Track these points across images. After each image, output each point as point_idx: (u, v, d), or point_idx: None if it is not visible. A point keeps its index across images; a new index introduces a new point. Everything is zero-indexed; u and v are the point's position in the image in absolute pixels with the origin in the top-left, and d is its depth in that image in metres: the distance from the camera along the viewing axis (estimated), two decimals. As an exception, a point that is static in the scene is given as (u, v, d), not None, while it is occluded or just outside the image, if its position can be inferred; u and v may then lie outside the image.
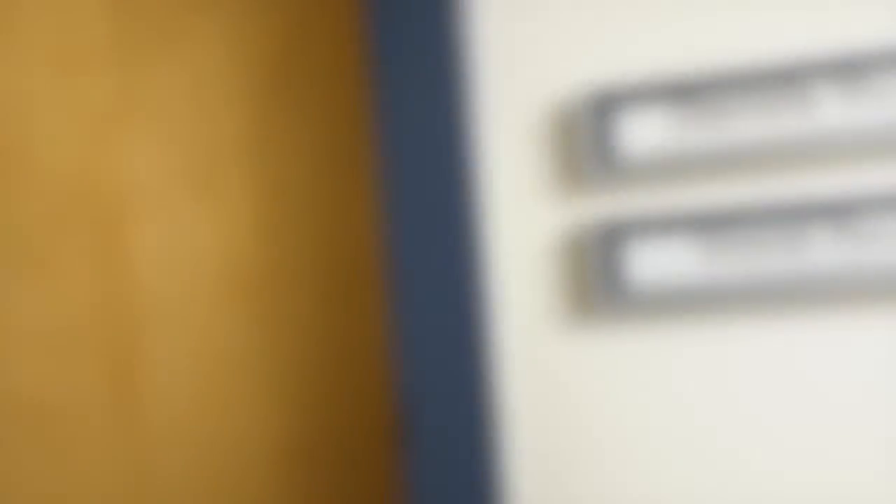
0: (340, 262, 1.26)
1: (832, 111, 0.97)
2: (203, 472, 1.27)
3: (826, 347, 0.98)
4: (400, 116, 1.09)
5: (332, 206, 1.27)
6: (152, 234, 1.26)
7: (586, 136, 1.04)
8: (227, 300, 1.26)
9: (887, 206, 0.95)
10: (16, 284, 1.17)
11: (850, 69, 0.97)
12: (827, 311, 0.98)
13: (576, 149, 1.07)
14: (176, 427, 1.26)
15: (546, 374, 1.06)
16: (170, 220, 1.25)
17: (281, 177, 1.28)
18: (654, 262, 1.02)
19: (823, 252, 0.97)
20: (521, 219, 1.08)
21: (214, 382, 1.26)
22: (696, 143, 1.01)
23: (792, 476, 0.99)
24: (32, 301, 1.19)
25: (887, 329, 0.96)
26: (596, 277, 1.03)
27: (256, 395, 1.26)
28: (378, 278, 1.19)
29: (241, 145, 1.27)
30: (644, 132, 1.03)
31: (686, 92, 1.02)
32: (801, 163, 0.99)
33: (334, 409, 1.25)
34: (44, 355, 1.15)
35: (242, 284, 1.27)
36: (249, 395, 1.26)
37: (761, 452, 0.99)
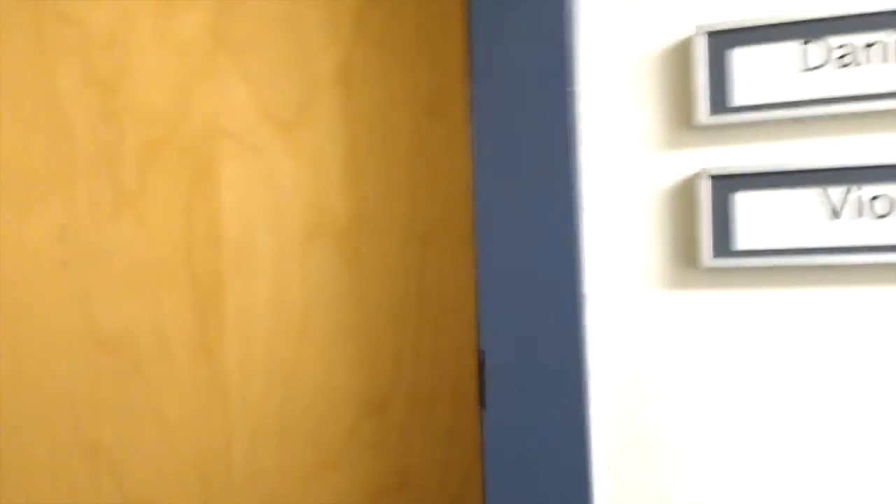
0: (429, 210, 1.22)
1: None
2: (280, 410, 1.26)
3: (955, 316, 0.91)
4: (496, 59, 1.04)
5: (424, 151, 1.23)
6: (240, 172, 1.24)
7: (698, 79, 0.97)
8: (311, 242, 1.24)
9: None
10: (109, 220, 1.17)
11: None
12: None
13: (686, 93, 1.00)
14: (256, 364, 1.25)
15: (644, 335, 1.01)
16: (259, 159, 1.23)
17: (372, 119, 1.24)
18: (768, 219, 0.95)
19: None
20: (624, 168, 1.02)
21: (296, 325, 1.24)
22: (821, 88, 0.93)
23: (908, 452, 0.92)
24: (124, 237, 1.18)
25: None
26: (703, 233, 0.97)
27: (337, 341, 1.24)
28: (467, 229, 1.15)
29: (334, 84, 1.24)
30: (762, 75, 0.96)
31: (811, 31, 0.94)
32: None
33: (414, 361, 1.22)
34: (133, 290, 1.15)
35: (328, 227, 1.24)
36: (330, 340, 1.24)
37: (870, 427, 0.93)
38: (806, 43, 0.94)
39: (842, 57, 0.93)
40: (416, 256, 1.24)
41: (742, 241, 0.96)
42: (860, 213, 0.92)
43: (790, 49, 0.94)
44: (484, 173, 1.03)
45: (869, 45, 0.92)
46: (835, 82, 0.93)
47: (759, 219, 0.95)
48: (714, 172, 0.96)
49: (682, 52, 1.00)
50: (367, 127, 1.24)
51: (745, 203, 0.96)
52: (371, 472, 1.24)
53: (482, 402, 1.03)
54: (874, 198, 0.92)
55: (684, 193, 1.00)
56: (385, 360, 1.24)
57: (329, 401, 1.25)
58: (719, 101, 0.96)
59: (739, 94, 0.96)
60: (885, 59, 0.91)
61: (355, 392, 1.25)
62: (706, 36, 0.97)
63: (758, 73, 0.95)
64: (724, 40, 0.96)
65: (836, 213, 0.93)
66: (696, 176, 0.98)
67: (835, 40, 0.93)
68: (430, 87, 1.23)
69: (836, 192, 0.93)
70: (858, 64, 0.92)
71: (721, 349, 0.98)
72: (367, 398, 1.24)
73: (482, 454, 0.99)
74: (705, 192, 0.97)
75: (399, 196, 1.24)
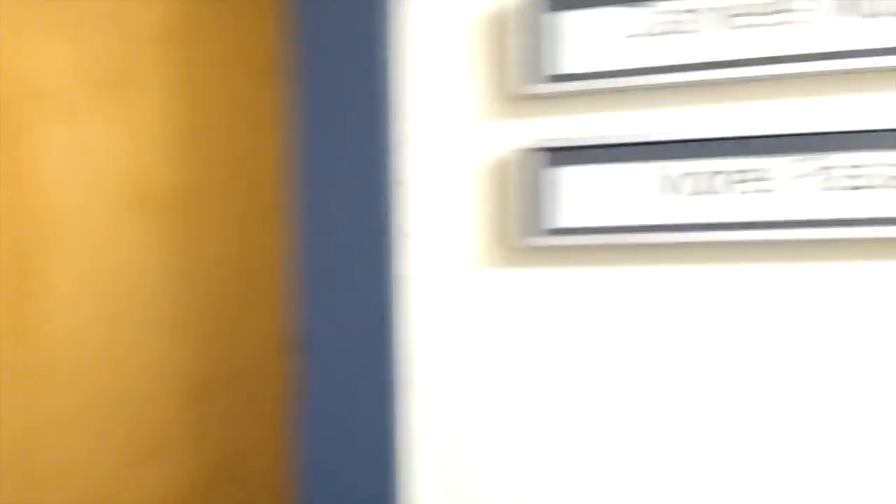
0: (253, 184, 1.14)
1: (821, 27, 0.83)
2: (96, 397, 1.16)
3: (761, 295, 0.85)
4: (317, 24, 0.96)
5: (249, 120, 1.14)
6: (55, 137, 1.14)
7: (513, 45, 0.90)
8: (130, 215, 1.14)
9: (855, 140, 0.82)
10: None
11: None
12: (766, 260, 0.85)
13: (505, 63, 0.93)
14: (71, 347, 1.15)
15: (460, 315, 0.94)
16: (75, 123, 1.13)
17: (197, 87, 1.15)
18: (588, 195, 0.89)
19: (782, 193, 0.84)
20: (447, 141, 0.95)
21: (112, 304, 1.15)
22: (650, 58, 0.87)
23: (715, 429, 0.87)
24: None
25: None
26: (520, 209, 0.91)
27: (158, 322, 1.15)
28: (288, 204, 1.07)
29: (157, 43, 1.14)
30: (586, 42, 0.89)
31: (636, -2, 0.88)
32: (774, 90, 0.85)
33: (236, 344, 1.14)
34: None
35: (148, 198, 1.15)
36: (150, 321, 1.15)
37: (681, 406, 0.88)
38: (632, 6, 0.87)
39: (670, 23, 0.86)
40: (237, 233, 1.15)
41: (563, 218, 0.89)
42: (686, 190, 0.86)
43: (615, 14, 0.88)
44: (303, 146, 0.95)
45: (690, 11, 0.86)
46: (662, 50, 0.87)
47: (583, 195, 0.89)
48: (534, 146, 0.90)
49: (501, 18, 0.93)
50: (192, 96, 1.15)
51: (569, 178, 0.89)
52: (193, 462, 1.15)
53: (302, 379, 0.95)
54: (688, 174, 0.86)
55: (503, 168, 0.93)
56: (207, 342, 1.16)
57: (150, 387, 1.16)
58: (539, 69, 0.89)
59: (563, 62, 0.89)
60: (717, 25, 0.85)
61: (178, 377, 1.16)
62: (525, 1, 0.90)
63: (582, 40, 0.89)
64: (545, 4, 0.89)
65: (663, 189, 0.87)
66: (515, 150, 0.91)
67: (664, 5, 0.87)
68: (261, 50, 1.15)
69: (657, 167, 0.87)
70: (687, 31, 0.86)
71: (537, 330, 0.92)
72: (189, 384, 1.15)
73: (302, 431, 0.91)
74: (521, 167, 0.90)
75: (222, 167, 1.16)
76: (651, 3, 0.87)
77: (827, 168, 0.82)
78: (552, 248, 0.91)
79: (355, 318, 0.92)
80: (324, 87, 0.95)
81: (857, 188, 0.81)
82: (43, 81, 1.14)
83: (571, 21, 0.89)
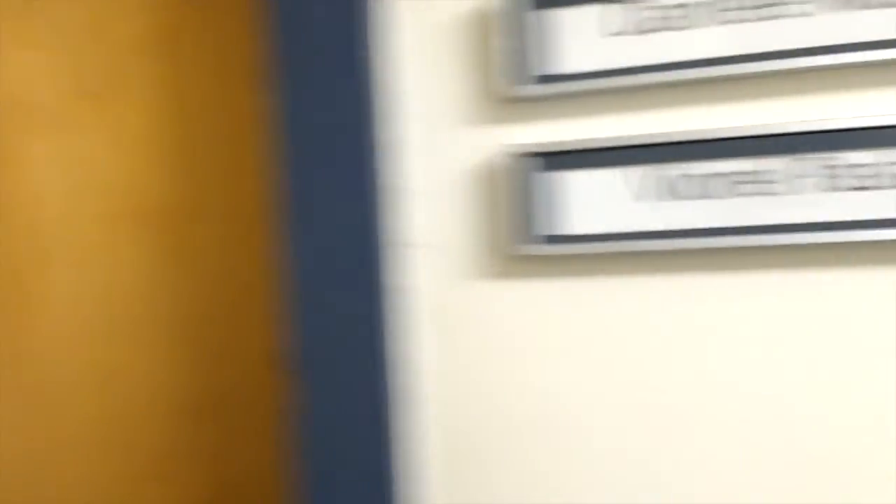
0: (240, 194, 1.11)
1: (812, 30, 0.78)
2: (94, 407, 1.15)
3: (759, 309, 0.81)
4: (298, 34, 0.92)
5: (239, 128, 1.11)
6: (40, 152, 1.12)
7: (498, 46, 0.86)
8: (121, 228, 1.12)
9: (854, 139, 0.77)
10: None
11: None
12: (766, 270, 0.81)
13: (491, 64, 0.89)
14: (66, 357, 1.14)
15: (456, 319, 0.91)
16: (60, 138, 1.11)
17: (181, 96, 1.12)
18: (582, 200, 0.85)
19: (784, 195, 0.79)
20: (433, 146, 0.92)
21: (106, 314, 1.13)
22: (642, 57, 0.83)
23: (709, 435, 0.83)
24: None
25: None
26: (513, 215, 0.87)
27: (153, 340, 1.13)
28: (276, 215, 1.04)
29: (138, 59, 1.11)
30: (568, 41, 0.85)
31: (624, -7, 0.83)
32: (769, 90, 0.81)
33: (229, 354, 1.12)
34: None
35: (139, 211, 1.13)
36: (146, 339, 1.13)
37: (691, 418, 0.84)
38: (620, 3, 0.83)
39: (660, 19, 0.82)
40: (228, 245, 1.13)
41: (556, 225, 0.86)
42: (684, 194, 0.82)
43: (603, 11, 0.83)
44: (289, 155, 0.92)
45: (680, 6, 0.81)
46: (653, 47, 0.82)
47: (577, 200, 0.85)
48: (524, 150, 0.86)
49: (485, 17, 0.89)
50: (175, 99, 1.12)
51: (561, 183, 0.85)
52: (193, 482, 1.13)
53: (296, 395, 0.92)
54: (685, 176, 0.82)
55: (493, 174, 0.89)
56: (201, 359, 1.13)
57: (145, 405, 1.14)
58: (526, 70, 0.85)
59: (550, 62, 0.85)
60: (709, 20, 0.80)
61: (172, 395, 1.14)
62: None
63: (569, 38, 0.85)
64: (531, 2, 0.85)
65: (659, 193, 0.83)
66: (505, 155, 0.87)
67: (654, 0, 0.82)
68: (243, 56, 1.11)
69: (653, 170, 0.83)
70: (678, 28, 0.81)
71: (532, 341, 0.88)
72: (184, 402, 1.13)
73: (296, 447, 0.89)
74: (511, 172, 0.86)
75: (208, 177, 1.13)
76: (638, 9, 0.82)
77: (831, 167, 0.77)
78: (545, 257, 0.87)
79: (348, 332, 0.89)
80: (306, 93, 0.91)
81: (863, 188, 0.76)
82: (24, 93, 1.12)
83: (558, 19, 0.85)
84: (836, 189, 0.77)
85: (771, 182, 0.79)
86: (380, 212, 0.90)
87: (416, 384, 0.92)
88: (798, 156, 0.78)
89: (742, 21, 0.79)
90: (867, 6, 0.75)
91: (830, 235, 0.77)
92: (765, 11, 0.78)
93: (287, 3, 0.93)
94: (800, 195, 0.78)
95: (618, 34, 0.83)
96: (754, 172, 0.80)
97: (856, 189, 0.77)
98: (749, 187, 0.80)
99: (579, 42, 0.84)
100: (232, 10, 1.10)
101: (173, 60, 1.12)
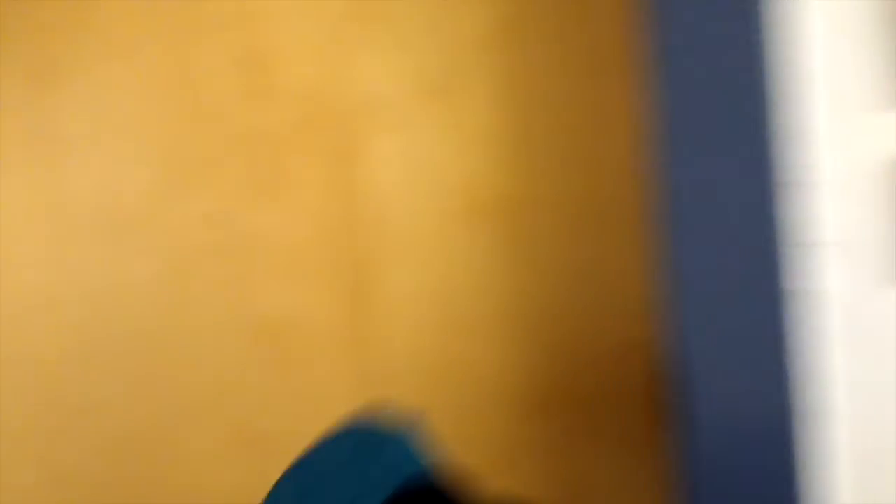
0: (599, 187, 1.07)
1: None
2: (433, 398, 1.16)
3: None
4: (681, 17, 0.86)
5: (592, 116, 1.07)
6: (386, 149, 1.14)
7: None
8: (463, 222, 1.12)
9: None
10: (256, 203, 1.12)
11: None
12: None
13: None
14: (407, 348, 1.16)
15: (871, 328, 0.80)
16: (405, 135, 1.13)
17: (528, 89, 1.10)
18: None
19: None
20: (846, 133, 0.82)
21: (446, 307, 1.14)
22: None
23: None
24: (271, 220, 1.14)
25: None
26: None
27: (497, 333, 1.12)
28: (646, 207, 0.99)
29: (485, 51, 1.10)
30: None
31: None
32: None
33: (582, 356, 1.08)
34: (280, 273, 1.11)
35: (485, 205, 1.12)
36: (488, 332, 1.13)
37: None
38: None
39: None
40: (579, 239, 1.09)
41: None
42: None
43: None
44: (669, 146, 0.86)
45: None
46: None
47: None
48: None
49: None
50: (521, 93, 1.10)
51: None
52: (536, 484, 1.11)
53: (670, 410, 0.87)
54: None
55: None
56: (549, 355, 1.11)
57: (487, 399, 1.13)
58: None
59: None
60: None
61: (517, 391, 1.12)
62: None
63: None
64: None
65: None
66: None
67: None
68: (606, 45, 1.07)
69: None
70: None
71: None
72: (528, 399, 1.11)
73: (670, 475, 0.84)
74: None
75: (563, 168, 1.09)
76: None
77: None
78: None
79: (744, 340, 0.82)
80: (691, 81, 0.84)
81: None
82: (370, 94, 1.14)
83: None
84: None
85: None
86: (782, 207, 0.81)
87: (825, 400, 0.83)
88: None
89: None
90: None
91: None
92: None
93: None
94: None
95: None
96: None
97: None
98: None
99: None
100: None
101: (520, 53, 1.10)
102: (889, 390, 0.79)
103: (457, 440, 1.14)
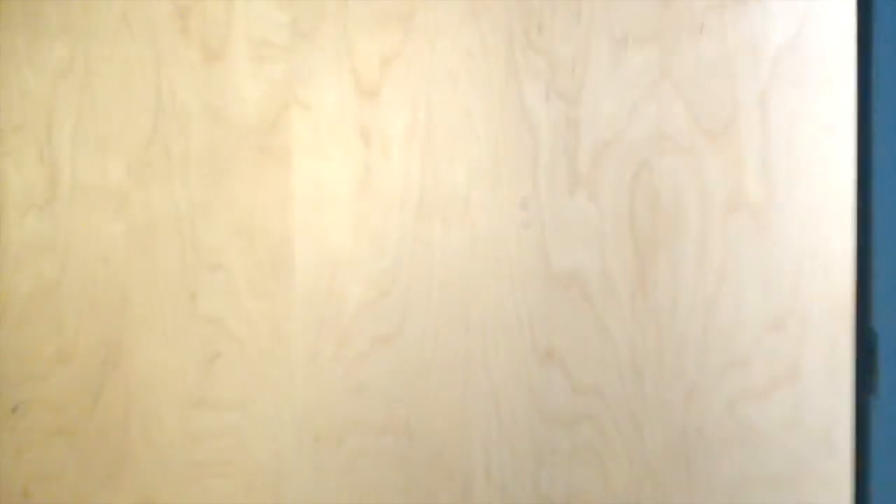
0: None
1: None
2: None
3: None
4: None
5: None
6: (673, 165, 1.13)
7: None
8: (731, 219, 1.08)
9: None
10: (565, 195, 1.16)
11: None
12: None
13: None
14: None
15: None
16: (689, 156, 1.12)
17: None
18: None
19: None
20: None
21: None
22: None
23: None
24: (577, 207, 1.17)
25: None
26: None
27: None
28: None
29: (754, 107, 1.01)
30: None
31: None
32: None
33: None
34: (584, 243, 1.17)
35: (744, 207, 1.05)
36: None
37: None
38: None
39: None
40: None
41: None
42: None
43: None
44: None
45: None
46: None
47: None
48: None
49: None
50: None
51: None
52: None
53: (867, 391, 0.82)
54: None
55: None
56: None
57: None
58: None
59: None
60: None
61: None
62: None
63: None
64: None
65: None
66: None
67: None
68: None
69: None
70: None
71: None
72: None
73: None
74: None
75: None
76: None
77: None
78: None
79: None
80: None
81: None
82: (665, 129, 1.07)
83: None
84: None
85: None
86: None
87: None
88: None
89: None
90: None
91: None
92: None
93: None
94: None
95: None
96: None
97: None
98: None
99: None
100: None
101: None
102: None
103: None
